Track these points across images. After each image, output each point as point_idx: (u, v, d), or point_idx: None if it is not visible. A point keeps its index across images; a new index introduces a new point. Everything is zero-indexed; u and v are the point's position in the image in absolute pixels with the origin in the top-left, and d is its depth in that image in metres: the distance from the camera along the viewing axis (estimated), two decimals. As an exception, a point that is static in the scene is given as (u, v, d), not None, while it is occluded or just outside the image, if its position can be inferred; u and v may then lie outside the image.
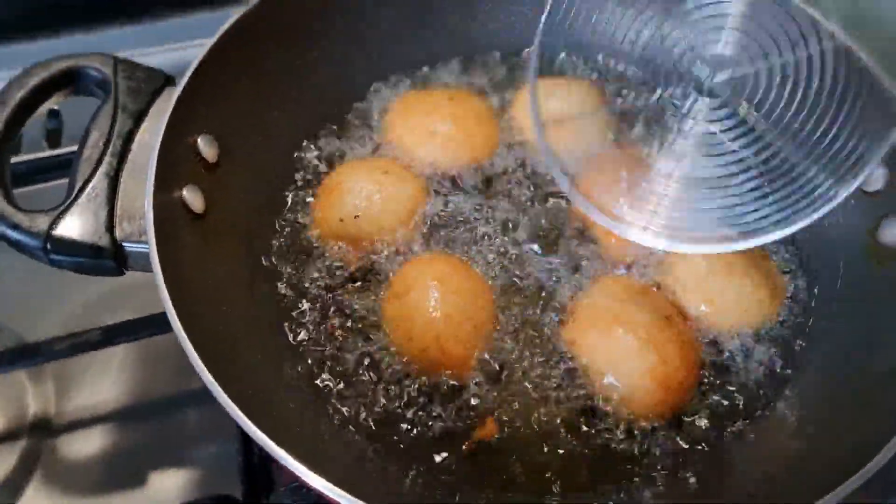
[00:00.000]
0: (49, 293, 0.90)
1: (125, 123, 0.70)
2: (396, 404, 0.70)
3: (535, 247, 0.79)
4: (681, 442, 0.68)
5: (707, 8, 0.66)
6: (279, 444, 0.55)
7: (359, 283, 0.77)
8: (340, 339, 0.74)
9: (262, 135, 0.81)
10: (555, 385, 0.71)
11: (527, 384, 0.71)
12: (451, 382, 0.71)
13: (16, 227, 0.64)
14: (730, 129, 0.65)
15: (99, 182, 0.67)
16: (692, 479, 0.67)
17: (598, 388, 0.70)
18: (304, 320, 0.75)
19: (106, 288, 0.89)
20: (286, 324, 0.75)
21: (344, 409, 0.70)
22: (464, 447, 0.68)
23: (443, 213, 0.81)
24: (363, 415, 0.70)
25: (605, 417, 0.69)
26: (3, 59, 1.00)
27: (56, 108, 0.73)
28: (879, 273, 0.72)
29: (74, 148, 0.69)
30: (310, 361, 0.73)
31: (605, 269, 0.77)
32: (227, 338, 0.66)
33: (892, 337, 0.68)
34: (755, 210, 0.62)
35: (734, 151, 0.64)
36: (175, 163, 0.68)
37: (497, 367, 0.71)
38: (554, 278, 0.76)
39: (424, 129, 0.85)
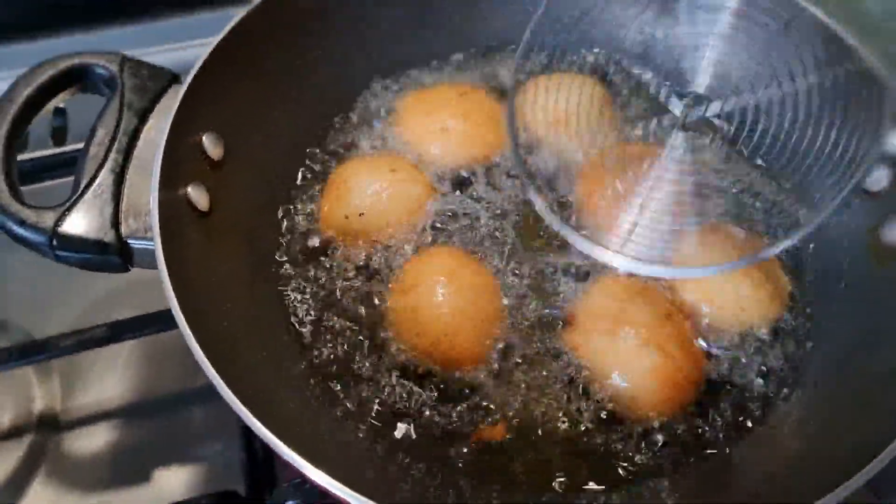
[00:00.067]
0: (55, 290, 0.91)
1: (131, 121, 0.70)
2: (398, 402, 0.70)
3: (540, 245, 0.79)
4: (681, 442, 0.69)
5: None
6: (282, 439, 0.55)
7: (362, 280, 0.77)
8: (343, 336, 0.74)
9: (265, 134, 0.81)
10: (557, 385, 0.71)
11: (529, 383, 0.71)
12: (456, 379, 0.71)
13: (22, 223, 0.65)
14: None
15: (105, 179, 0.67)
16: (693, 479, 0.67)
17: (601, 387, 0.70)
18: (307, 318, 0.76)
19: (112, 285, 0.90)
20: (289, 321, 0.75)
21: (347, 406, 0.70)
22: (468, 445, 0.68)
23: (449, 210, 0.81)
24: (365, 412, 0.70)
25: (607, 417, 0.69)
26: (4, 59, 1.00)
27: (62, 105, 0.74)
28: (880, 273, 0.72)
29: (80, 146, 0.70)
30: (312, 359, 0.73)
31: (607, 268, 0.77)
32: (230, 335, 0.66)
33: (893, 337, 0.68)
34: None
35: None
36: (180, 160, 0.69)
37: (499, 366, 0.72)
38: (557, 277, 0.76)
39: (435, 125, 0.85)
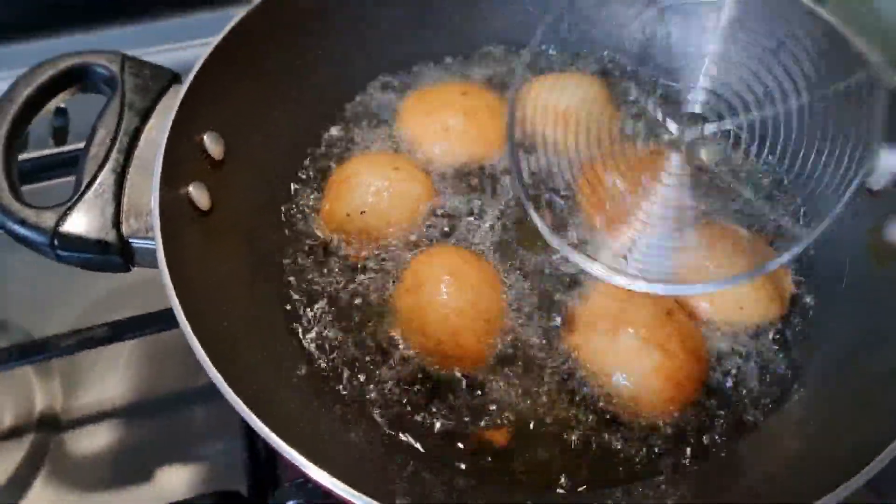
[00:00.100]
0: (55, 289, 0.91)
1: (132, 121, 0.70)
2: (399, 401, 0.70)
3: (542, 244, 0.78)
4: (681, 442, 0.69)
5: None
6: (284, 439, 0.55)
7: (363, 279, 0.77)
8: (344, 336, 0.74)
9: (265, 133, 0.81)
10: (557, 385, 0.71)
11: (529, 383, 0.71)
12: (457, 378, 0.71)
13: (23, 222, 0.65)
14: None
15: (106, 179, 0.67)
16: (693, 479, 0.67)
17: (602, 387, 0.70)
18: (307, 317, 0.76)
19: (113, 284, 0.90)
20: (290, 321, 0.75)
21: (347, 406, 0.70)
22: (469, 445, 0.68)
23: (450, 209, 0.81)
24: (367, 411, 0.70)
25: (608, 417, 0.69)
26: (4, 59, 1.00)
27: (63, 105, 0.74)
28: (881, 273, 0.72)
29: (81, 145, 0.70)
30: (313, 359, 0.73)
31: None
32: (230, 335, 0.66)
33: (893, 337, 0.68)
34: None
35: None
36: (181, 160, 0.69)
37: (500, 366, 0.72)
38: (558, 277, 0.76)
39: (436, 124, 0.85)
